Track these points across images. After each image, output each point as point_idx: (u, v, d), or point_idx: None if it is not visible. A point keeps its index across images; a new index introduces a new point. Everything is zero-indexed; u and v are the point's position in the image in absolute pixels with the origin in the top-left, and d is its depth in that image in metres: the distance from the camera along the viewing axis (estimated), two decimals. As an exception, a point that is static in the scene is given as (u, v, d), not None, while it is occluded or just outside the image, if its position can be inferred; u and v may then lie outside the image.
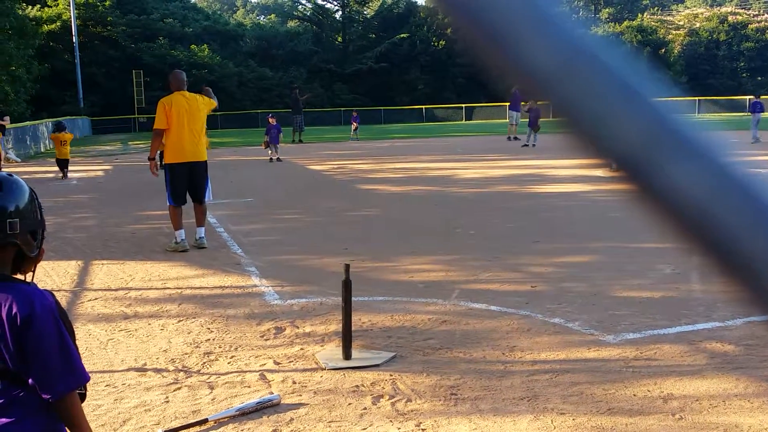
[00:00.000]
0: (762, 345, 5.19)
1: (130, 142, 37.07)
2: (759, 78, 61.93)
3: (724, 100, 55.03)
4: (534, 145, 25.44)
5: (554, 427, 3.98)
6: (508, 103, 30.52)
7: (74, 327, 2.24)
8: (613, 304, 6.31)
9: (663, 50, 63.07)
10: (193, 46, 56.63)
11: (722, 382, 4.56)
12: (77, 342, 2.22)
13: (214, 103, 9.58)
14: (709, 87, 59.50)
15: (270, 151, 22.46)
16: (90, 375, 2.19)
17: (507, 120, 30.74)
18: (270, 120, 22.77)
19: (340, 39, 65.68)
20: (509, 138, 29.08)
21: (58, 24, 51.06)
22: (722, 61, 67.46)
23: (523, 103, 28.45)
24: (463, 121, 56.02)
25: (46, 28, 46.06)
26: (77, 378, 2.11)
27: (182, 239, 9.06)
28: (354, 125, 34.75)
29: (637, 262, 7.85)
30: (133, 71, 50.42)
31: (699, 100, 53.89)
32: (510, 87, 0.53)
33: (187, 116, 8.94)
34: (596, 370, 4.84)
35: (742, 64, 66.91)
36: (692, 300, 6.38)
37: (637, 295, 6.65)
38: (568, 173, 17.22)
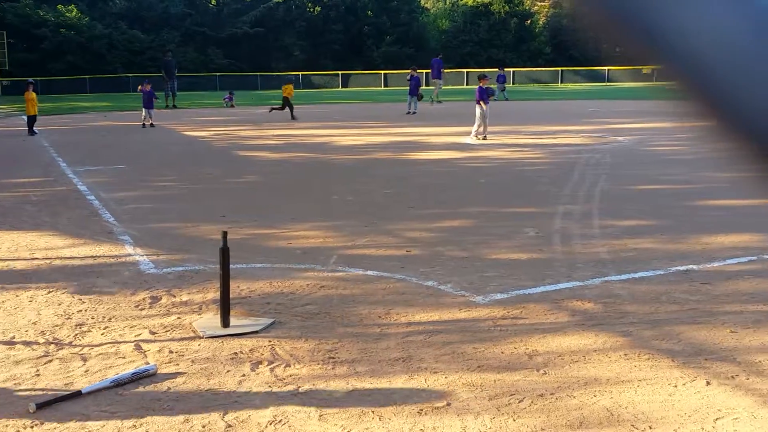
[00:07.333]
0: (618, 303, 5.57)
1: (-12, 106, 34.91)
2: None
3: (585, 71, 57.47)
4: (414, 113, 25.84)
5: (428, 386, 4.16)
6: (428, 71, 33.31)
7: None
8: (483, 266, 6.59)
9: (529, 21, 64.76)
10: (60, 6, 53.67)
11: (583, 338, 4.88)
12: None
13: None
14: (571, 58, 61.47)
15: (143, 116, 21.91)
16: None
17: (433, 87, 32.84)
18: (144, 85, 22.19)
19: (213, 2, 63.84)
20: (437, 102, 30.72)
21: None
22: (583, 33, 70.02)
23: (434, 71, 30.92)
24: (340, 89, 55.89)
25: None
26: None
27: None
28: (229, 101, 33.48)
29: (504, 226, 8.20)
30: (-5, 31, 47.28)
31: (562, 70, 56.40)
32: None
33: None
34: (467, 329, 5.06)
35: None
36: (555, 261, 6.75)
37: (505, 257, 6.97)
38: (441, 141, 17.61)
